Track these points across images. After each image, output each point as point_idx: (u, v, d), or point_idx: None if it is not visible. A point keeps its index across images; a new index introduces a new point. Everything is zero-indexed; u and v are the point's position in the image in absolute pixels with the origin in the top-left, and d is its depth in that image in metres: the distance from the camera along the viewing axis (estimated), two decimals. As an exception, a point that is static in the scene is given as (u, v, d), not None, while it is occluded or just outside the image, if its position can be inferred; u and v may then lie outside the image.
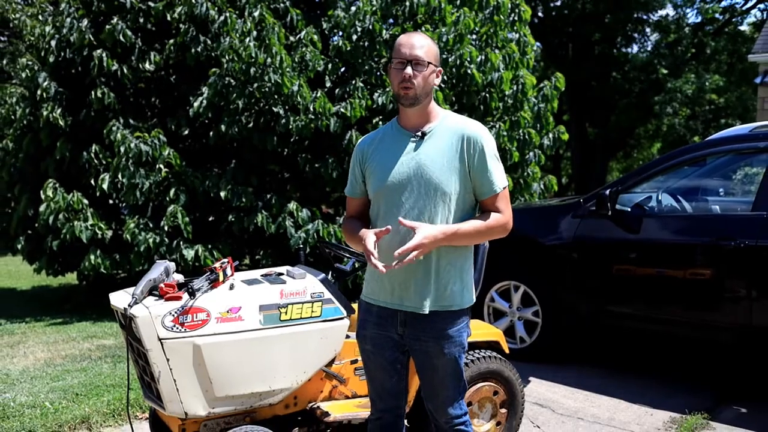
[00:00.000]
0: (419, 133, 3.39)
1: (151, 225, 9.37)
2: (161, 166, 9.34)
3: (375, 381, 3.67)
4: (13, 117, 11.30)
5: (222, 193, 9.45)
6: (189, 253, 9.22)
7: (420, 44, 3.30)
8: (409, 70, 3.27)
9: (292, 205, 9.51)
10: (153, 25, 10.34)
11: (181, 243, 9.31)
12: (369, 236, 3.23)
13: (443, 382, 3.48)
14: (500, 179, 3.37)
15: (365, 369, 3.70)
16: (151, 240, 9.08)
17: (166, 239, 9.25)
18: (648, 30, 34.93)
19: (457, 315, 3.42)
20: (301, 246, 9.17)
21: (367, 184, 3.52)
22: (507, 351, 5.05)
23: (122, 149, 9.20)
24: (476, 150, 3.31)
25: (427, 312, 3.36)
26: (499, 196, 3.37)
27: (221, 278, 3.95)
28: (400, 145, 3.41)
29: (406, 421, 4.02)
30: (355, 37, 10.06)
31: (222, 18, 9.61)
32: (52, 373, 6.89)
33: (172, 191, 9.37)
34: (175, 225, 9.14)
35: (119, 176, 9.24)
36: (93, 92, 9.73)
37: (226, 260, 4.06)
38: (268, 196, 9.80)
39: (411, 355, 3.54)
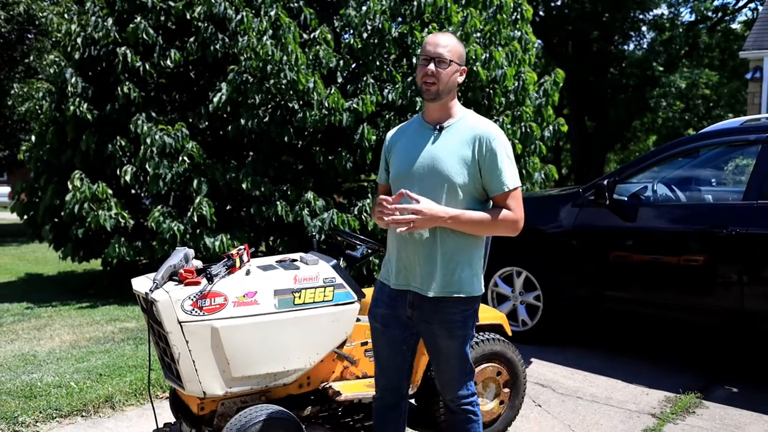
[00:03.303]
0: (438, 127, 3.41)
1: (174, 213, 9.38)
2: (185, 158, 9.34)
3: (380, 358, 3.68)
4: (39, 111, 11.30)
5: (243, 184, 9.45)
6: (211, 242, 9.23)
7: (444, 43, 3.34)
8: (432, 66, 3.30)
9: (310, 195, 9.51)
10: (173, 23, 10.33)
11: (205, 232, 9.33)
12: (383, 196, 3.27)
13: (448, 362, 3.49)
14: (511, 179, 3.33)
15: (373, 347, 3.73)
16: (175, 227, 9.10)
17: (190, 228, 9.26)
18: (644, 28, 34.90)
19: (466, 302, 3.42)
20: (315, 234, 9.19)
21: (390, 171, 3.56)
22: (510, 333, 5.05)
23: (148, 141, 9.22)
24: (488, 149, 3.30)
25: (431, 295, 3.36)
26: (510, 194, 3.34)
27: (238, 264, 3.95)
28: (419, 137, 3.45)
29: (414, 401, 4.03)
30: (365, 35, 10.05)
31: (239, 17, 9.59)
32: (77, 354, 6.90)
33: (194, 182, 9.38)
34: (200, 215, 9.15)
35: (146, 166, 9.24)
36: (119, 88, 9.70)
37: (242, 247, 4.06)
38: (285, 187, 9.81)
39: (419, 334, 3.55)
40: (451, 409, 3.60)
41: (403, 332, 3.55)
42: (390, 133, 3.65)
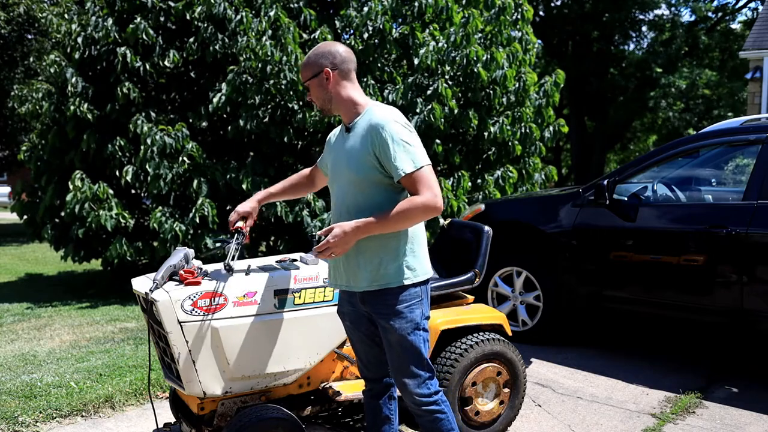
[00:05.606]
0: (347, 128, 3.56)
1: (176, 214, 9.39)
2: (185, 158, 9.35)
3: (359, 353, 3.80)
4: (39, 111, 11.30)
5: (243, 185, 9.45)
6: (212, 242, 9.24)
7: (301, 69, 3.57)
8: (308, 95, 3.61)
9: (310, 195, 9.51)
10: (173, 23, 10.33)
11: (206, 232, 9.34)
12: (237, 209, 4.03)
13: (400, 358, 3.50)
14: (406, 163, 3.28)
15: (350, 343, 3.84)
16: (177, 228, 9.11)
17: (191, 229, 9.27)
18: (644, 28, 34.92)
19: (400, 291, 3.43)
20: (314, 234, 9.18)
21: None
22: (510, 333, 5.04)
23: (148, 141, 9.23)
24: (379, 138, 3.32)
25: (360, 290, 3.48)
26: (412, 178, 3.28)
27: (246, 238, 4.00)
28: (339, 140, 3.64)
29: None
30: (366, 35, 10.04)
31: (238, 17, 9.59)
32: (77, 354, 6.90)
33: (195, 182, 9.39)
34: (202, 215, 9.17)
35: (146, 166, 9.25)
36: (119, 88, 9.71)
37: (240, 224, 4.04)
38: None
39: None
40: (416, 412, 3.58)
41: (370, 326, 3.64)
42: (329, 135, 3.84)
